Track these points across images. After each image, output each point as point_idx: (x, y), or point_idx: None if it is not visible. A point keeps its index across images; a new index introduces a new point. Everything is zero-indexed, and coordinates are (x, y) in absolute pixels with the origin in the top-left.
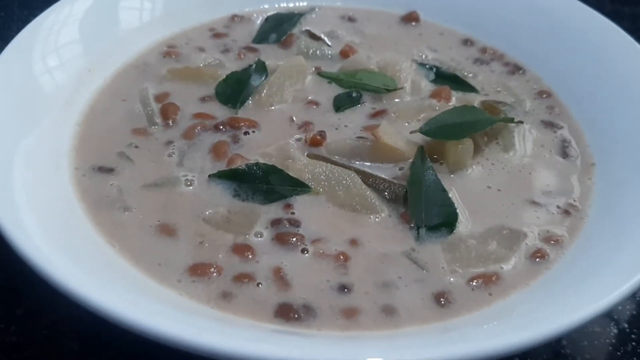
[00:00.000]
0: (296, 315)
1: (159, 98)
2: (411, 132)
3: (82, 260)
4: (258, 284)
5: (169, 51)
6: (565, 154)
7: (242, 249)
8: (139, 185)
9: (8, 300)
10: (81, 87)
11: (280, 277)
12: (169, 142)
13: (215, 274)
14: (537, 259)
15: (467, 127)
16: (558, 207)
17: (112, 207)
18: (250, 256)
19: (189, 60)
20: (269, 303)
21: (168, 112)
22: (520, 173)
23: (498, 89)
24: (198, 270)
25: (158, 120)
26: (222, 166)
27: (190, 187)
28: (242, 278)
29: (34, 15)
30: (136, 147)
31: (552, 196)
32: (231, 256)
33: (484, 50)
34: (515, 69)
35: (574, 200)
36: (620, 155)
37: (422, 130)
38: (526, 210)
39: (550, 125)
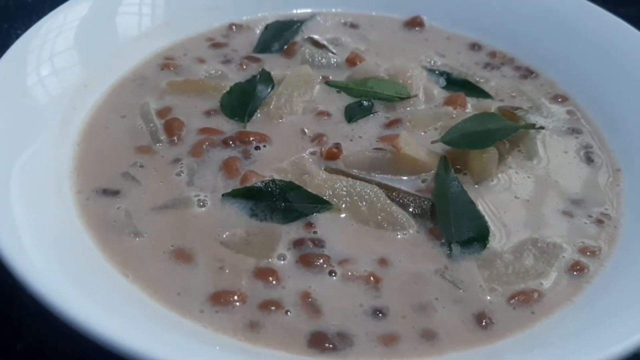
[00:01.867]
0: (331, 345)
1: (161, 113)
2: (432, 142)
3: (95, 293)
4: (287, 312)
5: (167, 63)
6: (589, 160)
7: (265, 274)
8: (148, 208)
9: (8, 333)
10: (77, 104)
11: (309, 302)
12: (176, 160)
13: (239, 302)
14: (576, 273)
15: (491, 135)
16: (590, 216)
17: (122, 233)
18: (275, 281)
19: (189, 72)
20: (301, 332)
21: (172, 128)
22: (547, 181)
23: (513, 94)
24: (221, 299)
25: (162, 137)
26: (235, 184)
27: (204, 208)
28: (269, 305)
29: (14, 29)
30: (141, 166)
31: (583, 205)
32: (254, 282)
33: (493, 54)
34: (528, 72)
35: (606, 209)
36: None
37: (444, 140)
38: (558, 221)
39: (571, 130)
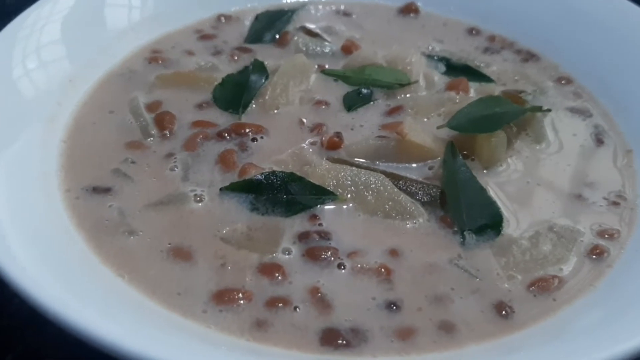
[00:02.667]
0: (344, 341)
1: (150, 107)
2: (438, 127)
3: (91, 296)
4: (295, 308)
5: (155, 56)
6: (600, 142)
7: (270, 269)
8: (142, 205)
9: None
10: (63, 100)
11: (318, 298)
12: (169, 155)
13: (244, 300)
14: (595, 257)
15: (498, 119)
16: (605, 198)
17: (115, 232)
18: (280, 277)
19: (178, 65)
20: (312, 329)
21: (164, 122)
22: (558, 165)
23: (516, 78)
24: (224, 297)
25: (153, 131)
26: (233, 177)
27: (201, 204)
28: (276, 302)
29: None
30: (133, 162)
31: (596, 187)
32: (259, 278)
33: (492, 38)
34: (529, 56)
35: (620, 191)
36: None
37: (451, 125)
38: (572, 205)
39: (578, 112)
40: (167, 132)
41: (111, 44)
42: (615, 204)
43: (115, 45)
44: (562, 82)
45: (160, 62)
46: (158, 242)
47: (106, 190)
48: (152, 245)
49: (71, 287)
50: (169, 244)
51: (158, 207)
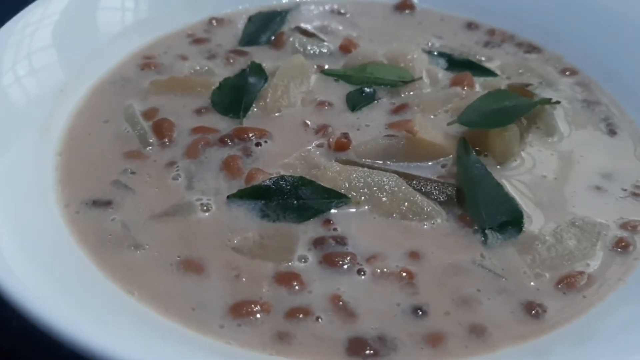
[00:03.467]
0: (372, 351)
1: (147, 115)
2: (449, 124)
3: (100, 315)
4: (317, 318)
5: (147, 62)
6: (612, 132)
7: (287, 279)
8: (146, 217)
9: None
10: (55, 110)
11: (341, 306)
12: (171, 164)
13: (262, 312)
14: (620, 250)
15: (510, 113)
16: (624, 189)
17: (120, 247)
18: (299, 286)
19: (172, 70)
20: (337, 339)
21: (162, 129)
22: (572, 157)
23: (520, 71)
24: (242, 310)
25: (152, 139)
26: (240, 184)
27: (208, 213)
28: (297, 313)
29: None
30: (133, 173)
31: (614, 179)
32: (277, 288)
33: (492, 32)
34: (531, 48)
35: (638, 180)
36: None
37: (462, 121)
38: (592, 197)
39: (587, 103)
40: (167, 140)
41: (101, 51)
42: (635, 195)
43: (105, 52)
44: (567, 73)
45: (153, 68)
46: (166, 255)
47: (107, 204)
48: (160, 259)
49: (79, 306)
50: (178, 256)
51: (163, 219)
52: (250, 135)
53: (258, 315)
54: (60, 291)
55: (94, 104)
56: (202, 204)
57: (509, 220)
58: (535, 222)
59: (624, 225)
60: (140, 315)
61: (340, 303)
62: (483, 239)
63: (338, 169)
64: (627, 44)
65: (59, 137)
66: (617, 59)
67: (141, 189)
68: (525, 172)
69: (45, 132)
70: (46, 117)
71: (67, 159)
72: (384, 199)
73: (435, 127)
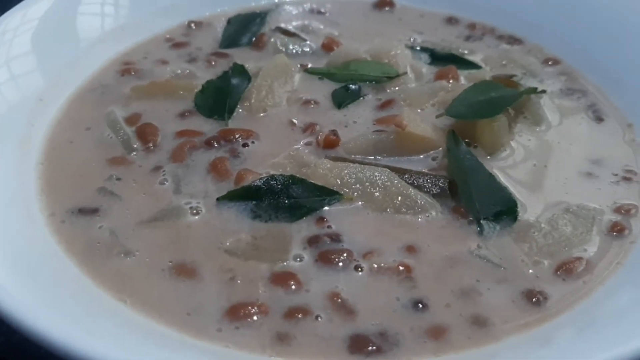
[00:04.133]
0: (375, 347)
1: (130, 121)
2: (437, 116)
3: (94, 325)
4: (317, 317)
5: (127, 68)
6: (599, 118)
7: (283, 278)
8: (135, 223)
9: None
10: (34, 119)
11: (339, 304)
12: (157, 168)
13: (260, 314)
14: (616, 234)
15: (497, 103)
16: (615, 174)
17: (109, 254)
18: (295, 285)
19: (152, 75)
20: (338, 338)
21: (146, 134)
22: (560, 145)
23: (503, 62)
24: (239, 313)
25: (136, 145)
26: (229, 186)
27: (198, 216)
28: (295, 313)
29: None
30: (118, 179)
31: (604, 164)
32: (273, 289)
33: (472, 26)
34: (512, 40)
35: (628, 165)
36: None
37: (450, 113)
38: (583, 184)
39: (570, 91)
40: (151, 145)
41: (79, 58)
42: (626, 179)
43: (83, 59)
44: (550, 63)
45: (133, 73)
46: (158, 261)
47: (93, 211)
48: (151, 265)
49: (72, 316)
50: (170, 261)
51: (152, 224)
52: (237, 136)
53: (256, 317)
54: (51, 302)
55: (74, 112)
56: (191, 208)
57: (504, 209)
58: (529, 210)
59: (617, 210)
60: (134, 323)
61: (339, 300)
62: (479, 229)
63: (329, 165)
64: (607, 32)
65: (40, 146)
66: (598, 47)
67: (128, 195)
68: (516, 161)
69: (25, 142)
70: (26, 126)
71: (49, 167)
72: (377, 194)
73: (424, 121)
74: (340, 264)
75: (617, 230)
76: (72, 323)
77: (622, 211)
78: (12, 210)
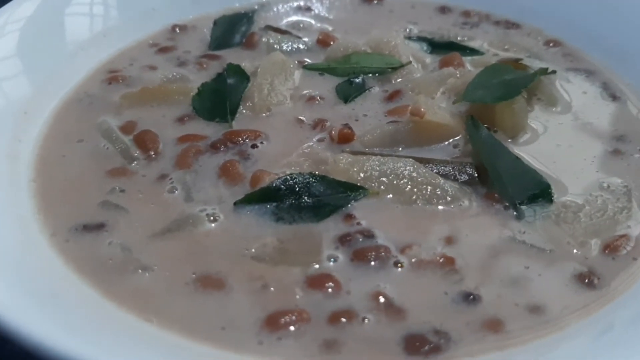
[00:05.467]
0: (432, 345)
1: (125, 129)
2: (454, 102)
3: (124, 350)
4: (363, 319)
5: (114, 76)
6: (613, 96)
7: (320, 281)
8: (147, 236)
9: None
10: (21, 135)
11: (385, 303)
12: (163, 177)
13: (301, 321)
14: None
15: (513, 85)
16: None
17: (125, 272)
18: (334, 287)
19: (141, 81)
20: (391, 339)
21: (146, 142)
22: (581, 124)
23: (506, 47)
24: (278, 321)
25: (136, 153)
26: (244, 189)
27: (216, 223)
28: (339, 317)
29: None
30: (122, 191)
31: (628, 140)
32: (310, 293)
33: (466, 13)
34: (509, 25)
35: None
36: None
37: (467, 98)
38: (611, 161)
39: (577, 71)
40: (153, 153)
41: (62, 69)
42: None
43: (65, 70)
44: (551, 44)
45: (121, 81)
46: (179, 274)
47: (99, 227)
48: (173, 279)
49: (98, 343)
50: (193, 273)
51: (167, 235)
52: (244, 137)
53: (297, 325)
54: (72, 329)
55: (63, 125)
56: (207, 215)
57: (537, 192)
58: (563, 191)
59: None
60: (165, 343)
61: (384, 300)
62: (516, 214)
63: (350, 160)
64: (606, 7)
65: (30, 163)
66: (598, 24)
67: (135, 207)
68: (539, 143)
69: (14, 159)
70: (13, 142)
71: (43, 184)
72: (404, 185)
73: (441, 108)
74: (378, 261)
75: None
76: (101, 351)
77: None
78: (8, 233)
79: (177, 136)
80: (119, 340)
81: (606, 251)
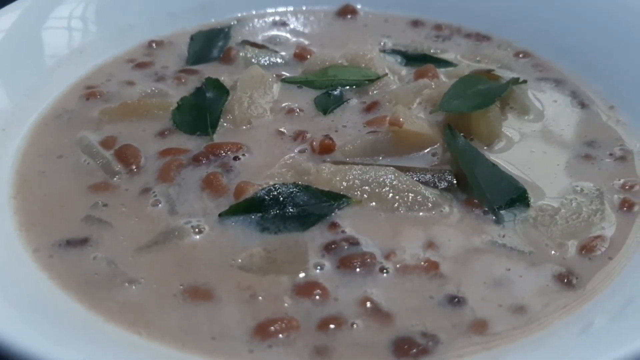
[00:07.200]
0: (420, 348)
1: (105, 144)
2: (431, 112)
3: None
4: (352, 325)
5: (92, 92)
6: (582, 104)
7: (308, 289)
8: (133, 250)
9: None
10: None
11: (373, 308)
12: (146, 190)
13: (291, 329)
14: (627, 209)
15: (487, 94)
16: (611, 154)
17: (112, 285)
18: (321, 295)
19: (120, 96)
20: (380, 344)
21: (127, 156)
22: (553, 131)
23: (477, 59)
24: (268, 329)
25: (118, 168)
26: (228, 201)
27: (201, 235)
28: (329, 324)
29: None
30: (105, 205)
31: (598, 145)
32: (299, 301)
33: (438, 27)
34: (480, 37)
35: (621, 144)
36: (633, 88)
37: (443, 107)
38: (583, 165)
39: (547, 80)
40: (134, 167)
41: (40, 84)
42: (622, 158)
43: (43, 85)
44: (521, 55)
45: (99, 96)
46: (167, 286)
47: (83, 242)
48: (161, 291)
49: (86, 355)
50: (181, 285)
51: (153, 248)
52: (226, 150)
53: (287, 333)
54: (59, 343)
55: (41, 141)
56: (193, 227)
57: (515, 197)
58: (539, 195)
59: (623, 187)
60: (156, 355)
61: (371, 305)
62: (495, 218)
63: (332, 169)
64: (572, 20)
65: (9, 180)
66: (566, 35)
67: (119, 221)
68: (513, 150)
69: None
70: None
71: (23, 201)
72: (386, 193)
73: (419, 118)
74: (364, 267)
75: (627, 206)
76: None
77: (627, 187)
78: None
79: (158, 150)
80: (108, 353)
81: (583, 252)
